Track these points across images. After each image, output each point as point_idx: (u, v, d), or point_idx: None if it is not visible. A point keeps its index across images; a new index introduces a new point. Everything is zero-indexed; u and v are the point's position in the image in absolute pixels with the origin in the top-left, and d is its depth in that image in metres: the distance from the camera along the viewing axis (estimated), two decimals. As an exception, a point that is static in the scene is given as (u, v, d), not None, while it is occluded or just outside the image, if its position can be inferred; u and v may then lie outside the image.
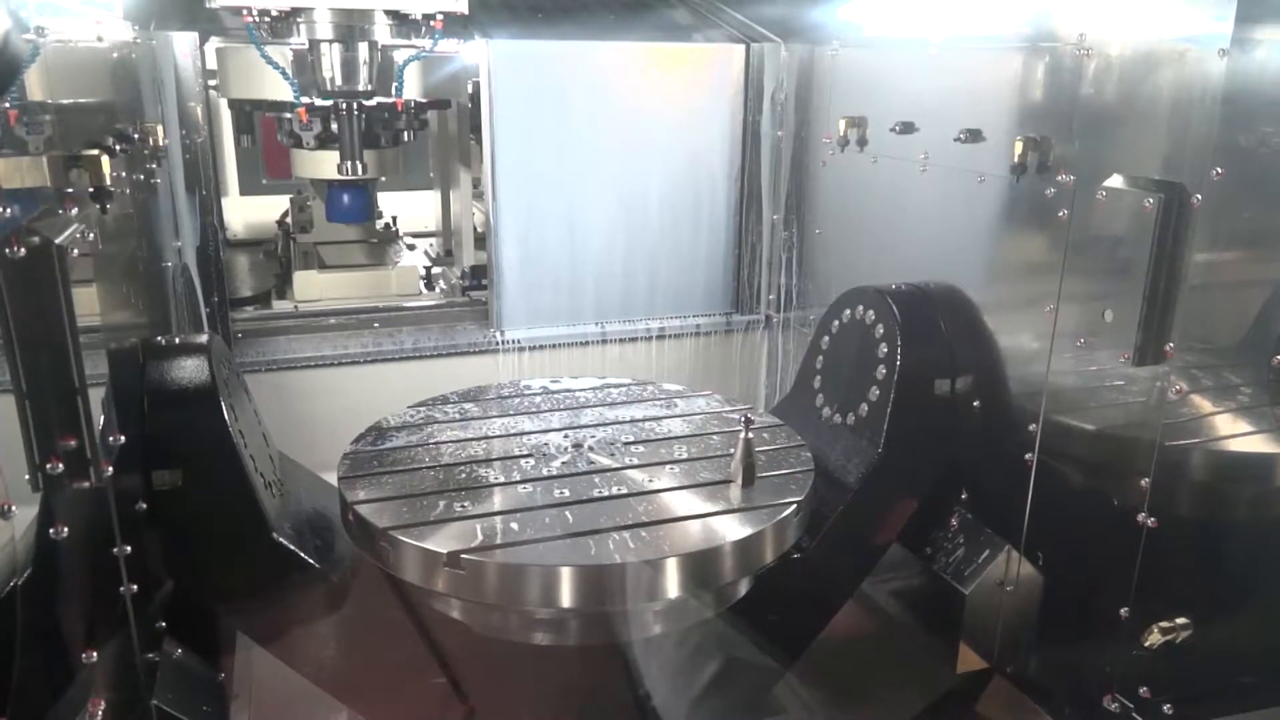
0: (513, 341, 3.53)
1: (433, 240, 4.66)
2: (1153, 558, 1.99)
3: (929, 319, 2.49)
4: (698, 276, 3.75)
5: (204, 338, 2.26)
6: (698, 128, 3.60)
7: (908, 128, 2.74)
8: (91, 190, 1.72)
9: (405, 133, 3.79)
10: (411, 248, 4.44)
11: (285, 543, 2.17)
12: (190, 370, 2.15)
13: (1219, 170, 1.81)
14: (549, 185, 3.46)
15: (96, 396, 1.59)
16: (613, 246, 3.59)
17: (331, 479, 2.24)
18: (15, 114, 1.54)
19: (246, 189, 5.19)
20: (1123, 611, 2.04)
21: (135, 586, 1.82)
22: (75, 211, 1.63)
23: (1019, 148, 2.26)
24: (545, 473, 2.17)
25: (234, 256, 4.21)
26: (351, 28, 3.20)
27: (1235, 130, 1.81)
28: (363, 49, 3.26)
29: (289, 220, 4.20)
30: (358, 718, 2.40)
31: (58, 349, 1.43)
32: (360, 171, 3.52)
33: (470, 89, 3.60)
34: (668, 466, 2.21)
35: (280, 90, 3.38)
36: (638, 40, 3.55)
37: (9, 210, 1.38)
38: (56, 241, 1.40)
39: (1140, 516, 1.99)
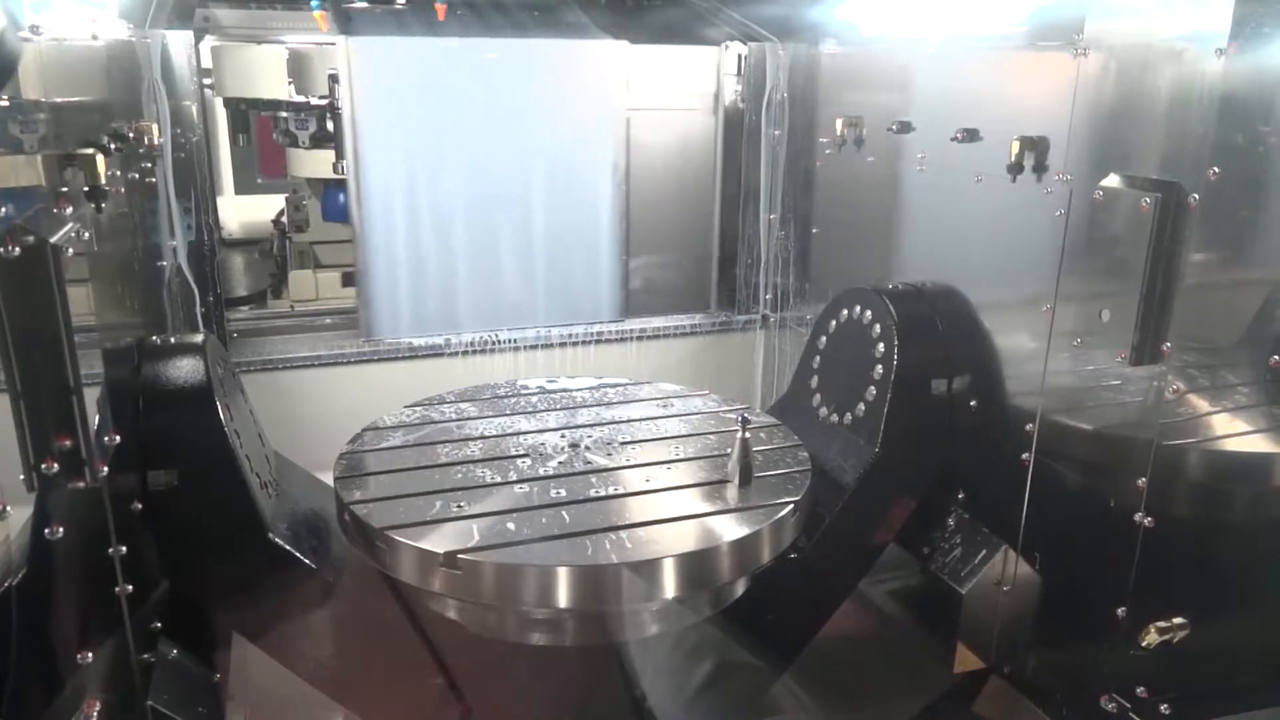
0: (508, 341, 3.52)
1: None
2: (1150, 557, 1.99)
3: (926, 319, 2.49)
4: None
5: (199, 337, 2.25)
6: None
7: (905, 127, 2.73)
8: (86, 189, 1.71)
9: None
10: (408, 247, 4.42)
11: (281, 543, 2.16)
12: (186, 370, 2.14)
13: (1216, 170, 1.80)
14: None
15: (92, 396, 1.59)
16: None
17: (327, 479, 2.24)
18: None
19: (242, 188, 5.19)
20: (1120, 611, 2.03)
21: (130, 587, 1.81)
22: (70, 210, 1.62)
23: (1016, 147, 2.25)
24: (542, 473, 2.16)
25: (229, 256, 4.21)
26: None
27: (1232, 130, 1.81)
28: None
29: (284, 219, 4.19)
30: (354, 718, 2.40)
31: (53, 349, 1.43)
32: (356, 170, 3.50)
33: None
34: (664, 466, 2.21)
35: (276, 89, 3.36)
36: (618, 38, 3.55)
37: (3, 209, 1.38)
38: (51, 241, 1.39)
39: (1137, 516, 1.99)
